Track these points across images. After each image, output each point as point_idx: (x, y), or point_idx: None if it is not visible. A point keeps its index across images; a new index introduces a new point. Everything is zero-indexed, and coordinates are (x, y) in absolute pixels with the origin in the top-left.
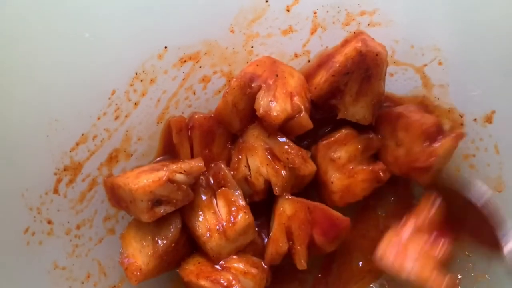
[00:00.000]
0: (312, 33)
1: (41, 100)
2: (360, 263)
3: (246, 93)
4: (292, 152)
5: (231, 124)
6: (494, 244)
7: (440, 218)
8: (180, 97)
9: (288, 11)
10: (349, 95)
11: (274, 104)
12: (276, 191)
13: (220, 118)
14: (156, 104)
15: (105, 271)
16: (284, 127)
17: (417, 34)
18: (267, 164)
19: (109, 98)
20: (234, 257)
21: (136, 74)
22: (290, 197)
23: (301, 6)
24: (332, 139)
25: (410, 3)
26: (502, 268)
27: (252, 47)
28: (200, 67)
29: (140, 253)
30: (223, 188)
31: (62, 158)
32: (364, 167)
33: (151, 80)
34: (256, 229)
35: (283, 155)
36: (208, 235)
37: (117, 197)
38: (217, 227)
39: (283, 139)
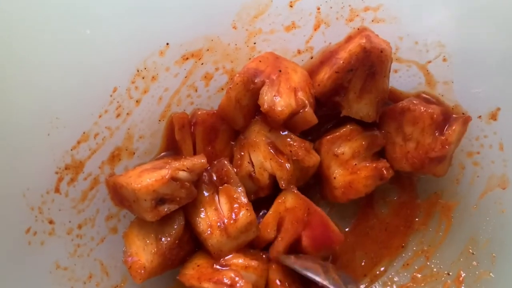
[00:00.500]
0: (315, 29)
1: (41, 98)
2: (363, 262)
3: (250, 89)
4: (295, 144)
5: (235, 120)
6: None
7: None
8: (182, 95)
9: (291, 7)
10: (353, 92)
11: (279, 99)
12: (282, 184)
13: (223, 114)
14: (158, 102)
15: (107, 271)
16: (289, 123)
17: (422, 30)
18: (271, 159)
19: (111, 96)
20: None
21: (138, 71)
22: (296, 191)
23: (305, 2)
24: (337, 134)
25: None
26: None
27: (254, 43)
28: (202, 64)
29: (144, 251)
30: (225, 184)
31: (63, 157)
32: (368, 164)
33: (153, 77)
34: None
35: (286, 148)
36: (209, 232)
37: (120, 196)
38: (219, 224)
39: (285, 132)
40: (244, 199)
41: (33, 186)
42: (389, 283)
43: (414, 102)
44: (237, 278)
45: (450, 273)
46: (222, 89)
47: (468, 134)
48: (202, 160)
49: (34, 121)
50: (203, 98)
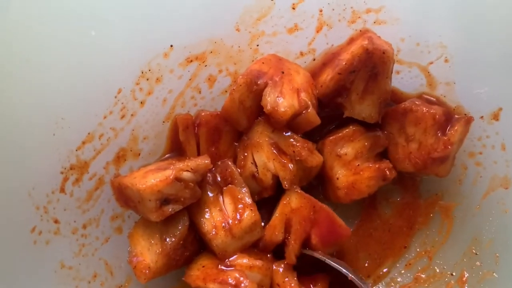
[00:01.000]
0: (317, 31)
1: (47, 99)
2: (366, 263)
3: (253, 90)
4: (297, 144)
5: (238, 122)
6: None
7: None
8: (186, 96)
9: (293, 9)
10: (355, 93)
11: (281, 100)
12: (285, 185)
13: (227, 115)
14: (162, 103)
15: (112, 271)
16: (292, 124)
17: (423, 32)
18: (274, 159)
19: (115, 97)
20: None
21: (142, 72)
22: (299, 191)
23: (307, 4)
24: (340, 134)
25: (416, 0)
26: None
27: (257, 45)
28: (206, 66)
29: (149, 251)
30: (230, 185)
31: (68, 157)
32: (371, 165)
33: (157, 79)
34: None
35: (289, 148)
36: (214, 232)
37: (124, 197)
38: (223, 224)
39: (288, 133)
40: (248, 200)
41: (38, 185)
42: (392, 284)
43: (416, 103)
44: (241, 278)
45: (453, 274)
46: (226, 91)
47: (470, 134)
48: (206, 161)
49: (40, 121)
50: (207, 100)
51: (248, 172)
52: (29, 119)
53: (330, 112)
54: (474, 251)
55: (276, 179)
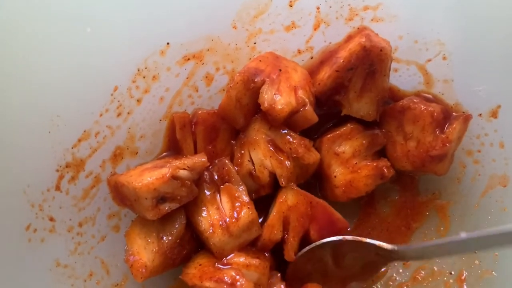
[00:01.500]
0: (315, 29)
1: (42, 96)
2: None
3: (250, 88)
4: (294, 141)
5: (235, 120)
6: None
7: None
8: (183, 95)
9: (291, 6)
10: (353, 91)
11: (279, 98)
12: (282, 182)
13: (224, 113)
14: (159, 102)
15: (108, 269)
16: (289, 121)
17: (421, 29)
18: (271, 156)
19: (111, 95)
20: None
21: (139, 70)
22: (295, 188)
23: (304, 2)
24: (337, 132)
25: None
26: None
27: (255, 43)
28: (203, 64)
29: (145, 250)
30: (227, 183)
31: (64, 155)
32: (368, 163)
33: (154, 77)
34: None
35: (286, 146)
36: (211, 231)
37: (121, 195)
38: (220, 222)
39: (285, 130)
40: (245, 198)
41: (33, 183)
42: (391, 283)
43: (414, 100)
44: (238, 277)
45: (452, 272)
46: (223, 89)
47: (469, 132)
48: (203, 159)
49: (35, 119)
50: (204, 99)
51: (245, 170)
52: (24, 116)
53: (328, 110)
54: None
55: (273, 176)
